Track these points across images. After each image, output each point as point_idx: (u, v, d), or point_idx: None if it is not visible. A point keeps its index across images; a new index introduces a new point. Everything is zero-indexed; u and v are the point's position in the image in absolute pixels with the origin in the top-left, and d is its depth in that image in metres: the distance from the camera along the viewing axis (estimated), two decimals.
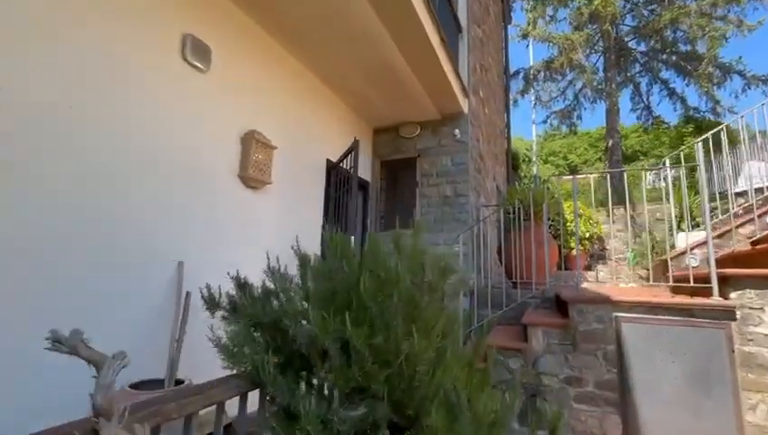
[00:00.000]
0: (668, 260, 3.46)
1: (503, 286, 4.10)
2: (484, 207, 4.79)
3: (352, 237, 3.20)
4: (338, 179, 4.26)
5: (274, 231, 3.34)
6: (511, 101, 13.07)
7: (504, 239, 4.71)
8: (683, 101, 12.36)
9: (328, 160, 4.24)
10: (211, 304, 1.59)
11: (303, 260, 1.69)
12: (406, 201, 5.13)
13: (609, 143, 11.29)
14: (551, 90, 13.30)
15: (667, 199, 4.32)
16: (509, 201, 4.76)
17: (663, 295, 3.05)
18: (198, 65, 2.67)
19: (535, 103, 14.24)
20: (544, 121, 14.29)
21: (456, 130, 4.88)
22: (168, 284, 2.44)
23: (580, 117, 13.46)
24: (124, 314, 2.20)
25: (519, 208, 4.24)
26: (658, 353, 2.70)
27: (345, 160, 3.90)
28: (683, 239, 7.07)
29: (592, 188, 5.55)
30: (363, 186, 5.21)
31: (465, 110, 4.95)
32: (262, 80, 3.35)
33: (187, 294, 2.42)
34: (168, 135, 2.49)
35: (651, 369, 2.71)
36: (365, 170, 5.23)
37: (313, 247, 4.19)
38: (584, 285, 7.71)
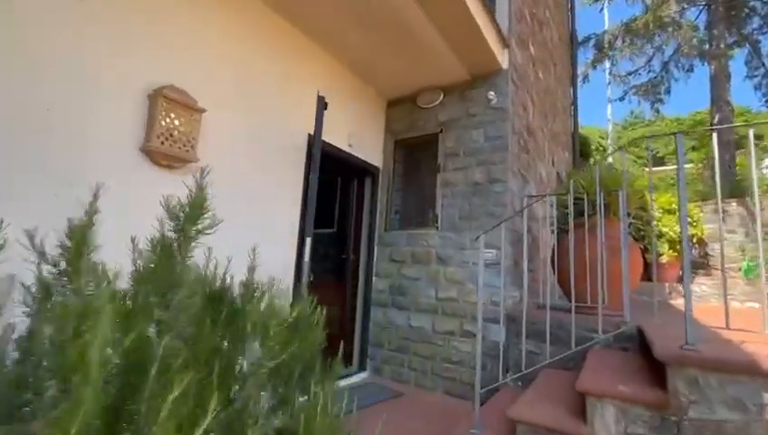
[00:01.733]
0: None
1: (547, 307, 2.77)
2: (530, 198, 3.44)
3: (308, 241, 2.15)
4: (325, 162, 3.24)
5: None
6: (579, 77, 11.04)
7: (558, 242, 3.33)
8: None
9: (310, 136, 3.23)
10: None
11: None
12: (425, 191, 3.95)
13: (716, 119, 8.82)
14: (631, 56, 10.80)
15: None
16: (566, 187, 3.38)
17: None
18: None
19: (610, 78, 11.91)
20: (621, 99, 11.84)
21: (491, 93, 3.58)
22: None
23: (668, 91, 10.86)
24: None
25: (584, 199, 2.85)
26: None
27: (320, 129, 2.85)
28: None
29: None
30: (370, 172, 4.13)
31: (504, 64, 3.62)
32: (193, 17, 2.42)
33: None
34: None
35: None
36: (374, 152, 4.14)
37: (282, 265, 3.21)
38: (674, 301, 5.83)
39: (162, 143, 2.10)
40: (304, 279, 2.09)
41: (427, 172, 3.97)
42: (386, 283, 3.92)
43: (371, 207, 4.11)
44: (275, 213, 2.93)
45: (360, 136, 3.90)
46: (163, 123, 2.11)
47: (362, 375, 3.79)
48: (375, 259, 4.02)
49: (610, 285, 3.03)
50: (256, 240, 1.13)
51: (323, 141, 3.40)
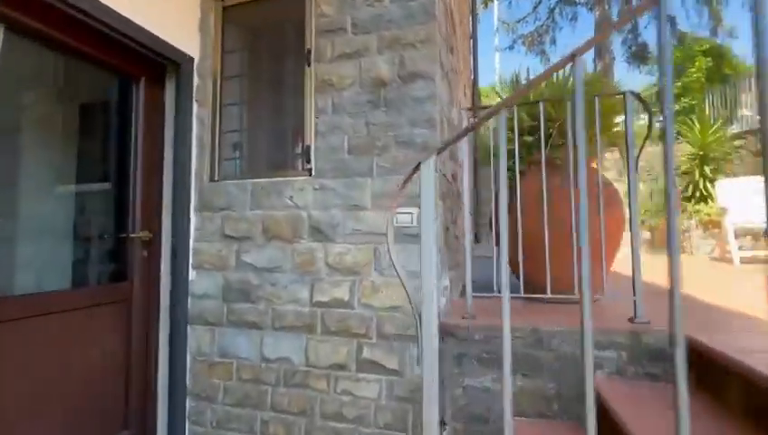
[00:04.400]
0: None
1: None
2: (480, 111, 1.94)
3: None
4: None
5: None
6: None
7: (507, 196, 1.96)
8: (673, 22, 10.22)
9: None
10: None
11: None
12: (286, 104, 2.12)
13: (599, 67, 8.89)
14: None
15: None
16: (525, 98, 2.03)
17: None
18: None
19: (498, 24, 11.36)
20: (510, 48, 11.52)
21: None
22: None
23: (553, 41, 10.86)
24: None
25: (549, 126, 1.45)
26: None
27: None
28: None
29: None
30: (174, 65, 2.07)
31: None
32: None
33: None
34: None
35: None
36: (180, 27, 2.07)
37: None
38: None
39: None
40: None
41: (287, 67, 2.11)
42: (215, 280, 2.06)
43: (179, 137, 2.09)
44: None
45: None
46: None
47: None
48: (191, 237, 2.10)
49: (598, 260, 1.83)
50: None
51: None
